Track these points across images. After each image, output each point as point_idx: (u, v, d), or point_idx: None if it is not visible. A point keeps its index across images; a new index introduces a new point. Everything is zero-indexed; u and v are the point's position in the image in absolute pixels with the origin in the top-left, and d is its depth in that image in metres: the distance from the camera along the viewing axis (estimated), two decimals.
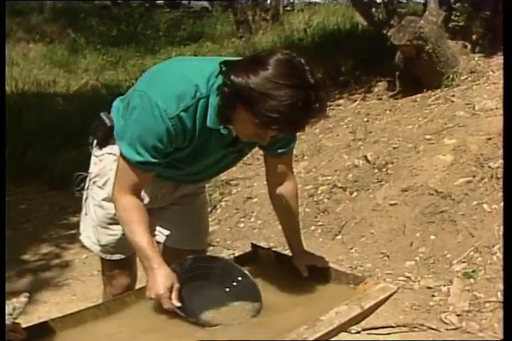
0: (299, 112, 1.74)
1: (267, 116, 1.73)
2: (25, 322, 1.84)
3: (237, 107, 1.81)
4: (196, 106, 1.91)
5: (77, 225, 2.55)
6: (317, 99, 1.77)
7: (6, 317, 1.69)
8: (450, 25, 6.01)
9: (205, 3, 19.34)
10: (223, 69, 1.86)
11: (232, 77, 1.78)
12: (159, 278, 1.95)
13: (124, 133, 1.99)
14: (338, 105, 6.30)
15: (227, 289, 2.13)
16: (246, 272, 2.16)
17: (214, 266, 2.17)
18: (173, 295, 1.94)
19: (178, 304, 1.93)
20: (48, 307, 3.74)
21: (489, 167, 3.98)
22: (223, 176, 5.24)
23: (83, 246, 2.54)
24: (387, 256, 3.86)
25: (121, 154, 2.00)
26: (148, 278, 1.98)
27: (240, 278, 2.14)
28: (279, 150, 2.21)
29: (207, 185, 2.74)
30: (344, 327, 1.93)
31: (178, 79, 1.93)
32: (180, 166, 2.14)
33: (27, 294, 1.79)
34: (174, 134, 1.91)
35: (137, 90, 1.99)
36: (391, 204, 4.22)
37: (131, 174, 1.99)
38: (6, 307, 1.72)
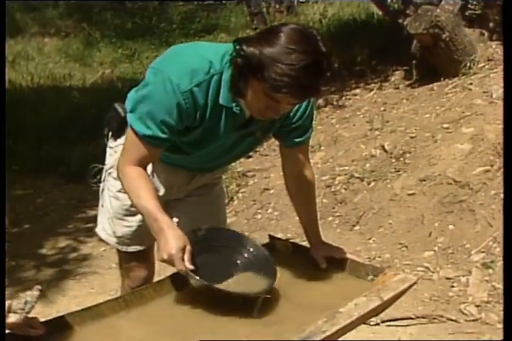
0: (310, 76, 1.73)
1: (278, 80, 1.72)
2: (44, 315, 1.84)
3: (249, 79, 1.81)
4: (209, 82, 1.90)
5: (94, 218, 2.55)
6: (329, 67, 1.78)
7: (18, 311, 1.68)
8: (467, 14, 5.96)
9: None
10: (237, 46, 1.86)
11: (245, 48, 1.78)
12: (170, 238, 1.87)
13: (135, 107, 1.98)
14: (355, 95, 6.27)
15: (239, 261, 2.11)
16: (257, 243, 2.16)
17: (225, 238, 2.15)
18: (186, 257, 1.86)
19: (192, 267, 1.87)
20: (67, 301, 3.76)
21: None
22: (240, 167, 5.24)
23: (101, 239, 2.54)
24: (406, 247, 3.83)
25: (130, 127, 1.99)
26: (159, 240, 1.91)
27: (251, 250, 2.13)
28: (295, 140, 2.19)
29: (223, 177, 2.73)
30: (363, 319, 1.91)
31: (193, 56, 1.94)
32: (189, 151, 2.12)
33: (39, 287, 1.77)
34: (185, 109, 1.90)
35: (151, 67, 1.98)
36: (409, 194, 4.19)
37: (139, 147, 1.97)
38: (18, 301, 1.71)
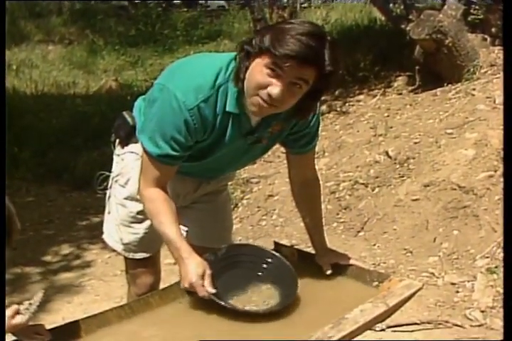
0: (315, 42, 1.78)
1: (285, 44, 1.75)
2: (49, 323, 1.85)
3: (253, 59, 1.84)
4: (216, 95, 1.91)
5: (99, 226, 2.55)
6: (332, 48, 1.82)
7: (24, 311, 1.69)
8: (469, 19, 5.96)
9: (222, 2, 19.32)
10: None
11: (248, 40, 1.86)
12: (190, 267, 1.95)
13: (145, 126, 2.00)
14: (358, 101, 6.27)
15: (260, 273, 2.16)
16: (275, 253, 2.21)
17: (245, 253, 2.21)
18: (206, 283, 1.94)
19: (213, 290, 1.94)
20: (72, 308, 3.76)
21: None
22: (244, 174, 5.23)
23: (106, 247, 2.55)
24: (411, 252, 3.82)
25: (142, 147, 2.01)
26: (180, 268, 1.99)
27: (270, 260, 2.18)
28: (302, 147, 2.21)
29: (228, 183, 2.74)
30: (369, 325, 1.92)
31: (197, 72, 1.94)
32: (196, 159, 2.13)
33: (43, 290, 1.79)
34: (193, 126, 1.92)
35: (157, 83, 2.00)
36: (413, 200, 4.18)
37: (154, 168, 2.01)
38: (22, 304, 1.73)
